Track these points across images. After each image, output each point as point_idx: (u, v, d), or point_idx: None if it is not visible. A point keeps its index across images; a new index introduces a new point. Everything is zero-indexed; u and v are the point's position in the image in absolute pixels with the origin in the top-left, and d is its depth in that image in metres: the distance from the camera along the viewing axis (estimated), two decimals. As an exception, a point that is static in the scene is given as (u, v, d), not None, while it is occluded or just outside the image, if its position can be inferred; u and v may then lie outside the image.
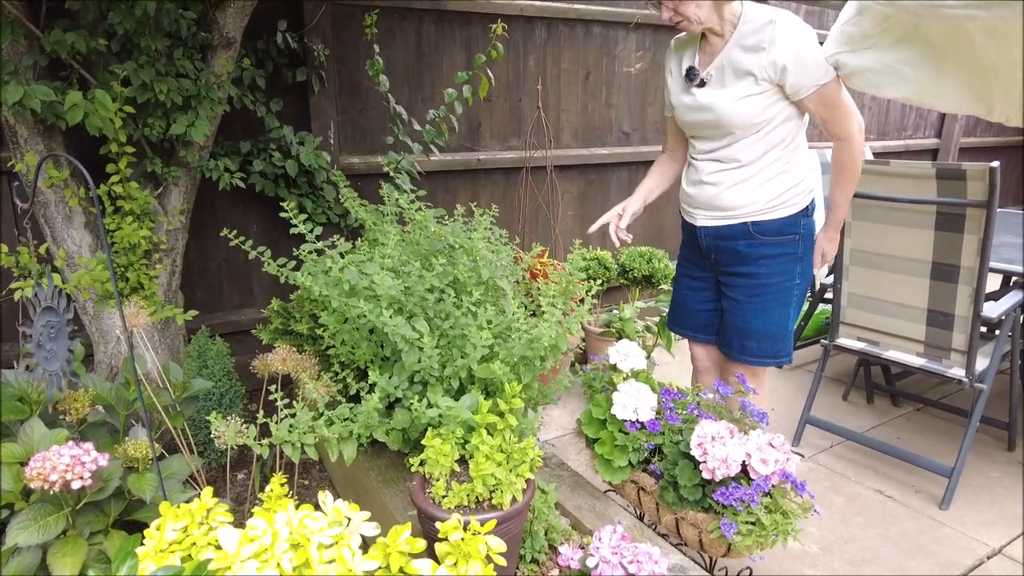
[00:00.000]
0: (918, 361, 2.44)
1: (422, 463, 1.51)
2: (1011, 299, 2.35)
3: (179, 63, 2.05)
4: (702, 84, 1.84)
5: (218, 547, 1.04)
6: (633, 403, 1.71)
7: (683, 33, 1.97)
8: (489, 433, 1.53)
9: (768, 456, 1.52)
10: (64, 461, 1.37)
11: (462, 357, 1.63)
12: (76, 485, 1.36)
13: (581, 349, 3.55)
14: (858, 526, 2.21)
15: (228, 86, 2.18)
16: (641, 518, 1.84)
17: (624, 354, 1.75)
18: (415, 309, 1.62)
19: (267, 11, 2.56)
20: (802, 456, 2.66)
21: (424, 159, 2.81)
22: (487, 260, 1.68)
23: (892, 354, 2.51)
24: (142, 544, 1.13)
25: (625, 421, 1.71)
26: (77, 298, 2.23)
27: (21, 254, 2.07)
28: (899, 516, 2.27)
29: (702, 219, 1.92)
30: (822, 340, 2.74)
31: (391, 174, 2.69)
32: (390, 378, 1.64)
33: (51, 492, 1.37)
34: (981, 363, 2.34)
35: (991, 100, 1.56)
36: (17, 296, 1.94)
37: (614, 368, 1.77)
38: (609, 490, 1.96)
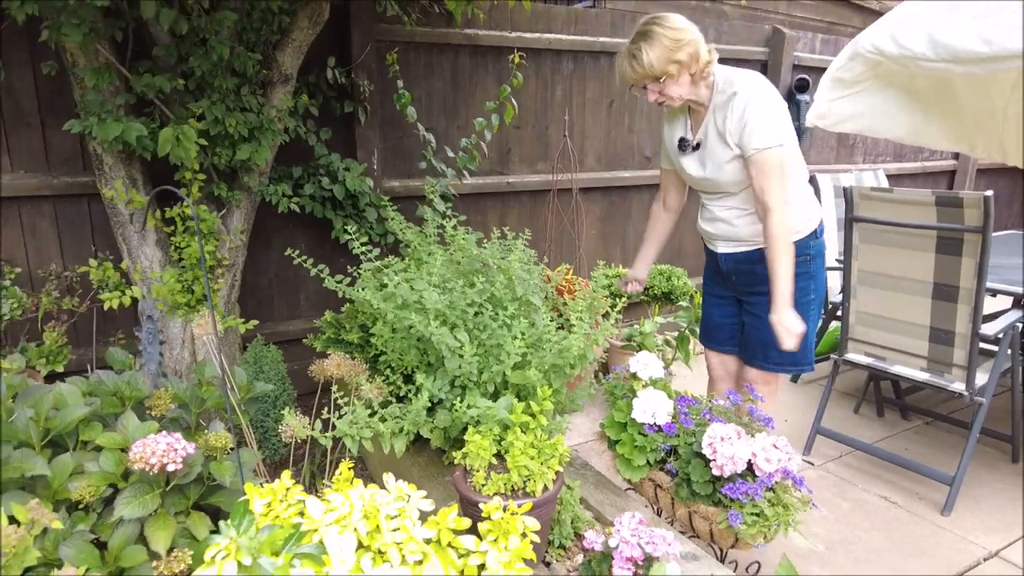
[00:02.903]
0: (922, 375, 2.59)
1: (464, 456, 1.71)
2: (1009, 318, 2.50)
3: (245, 99, 2.30)
4: (695, 149, 2.05)
5: (303, 515, 1.25)
6: (652, 408, 1.90)
7: None
8: (522, 431, 1.73)
9: (771, 455, 1.70)
10: (161, 448, 1.59)
11: (497, 364, 1.83)
12: (171, 468, 1.59)
13: (603, 360, 3.74)
14: (863, 529, 2.36)
15: (286, 118, 2.43)
16: (659, 513, 2.02)
17: (644, 364, 1.94)
18: (457, 321, 1.84)
19: (318, 48, 2.81)
20: (812, 464, 2.82)
21: (457, 183, 3.04)
22: (521, 279, 1.89)
23: (898, 369, 2.67)
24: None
25: (644, 424, 1.90)
26: (146, 308, 2.47)
27: (106, 269, 2.33)
28: (902, 520, 2.41)
29: (722, 247, 2.12)
30: (832, 355, 2.90)
31: (429, 198, 2.93)
32: (434, 382, 1.86)
33: (150, 473, 1.60)
34: (981, 378, 2.49)
35: (974, 140, 1.74)
36: (107, 306, 2.19)
37: (635, 376, 1.96)
38: (628, 488, 2.14)
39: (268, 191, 2.46)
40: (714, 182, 2.03)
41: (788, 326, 1.89)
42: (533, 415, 1.73)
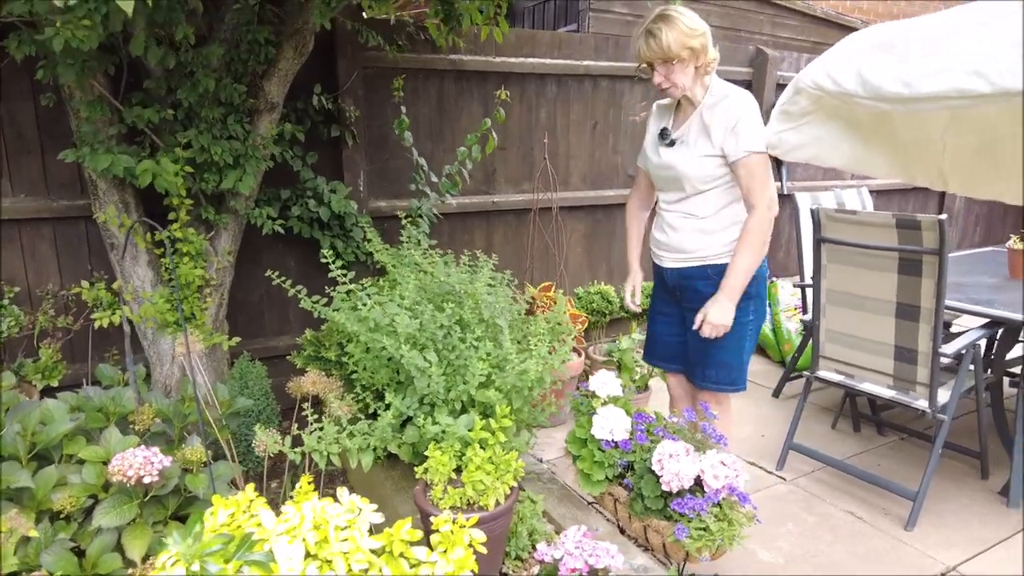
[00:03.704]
0: (888, 393, 2.66)
1: (425, 471, 1.80)
2: (968, 337, 2.56)
3: (231, 127, 2.42)
4: (672, 144, 2.15)
5: (259, 525, 1.34)
6: (610, 425, 1.98)
7: (666, 100, 2.29)
8: (482, 447, 1.82)
9: (719, 472, 1.78)
10: (138, 461, 1.70)
11: (464, 383, 1.93)
12: (147, 480, 1.69)
13: (587, 374, 3.82)
14: (826, 542, 2.42)
15: (271, 145, 2.55)
16: (621, 528, 2.10)
17: (602, 382, 2.03)
18: (426, 342, 1.93)
19: (307, 75, 2.94)
20: (784, 479, 2.88)
21: (441, 204, 3.15)
22: (487, 303, 1.99)
23: (866, 386, 2.73)
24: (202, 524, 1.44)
25: (602, 440, 1.98)
26: (140, 326, 2.59)
27: (98, 289, 2.44)
28: (866, 535, 2.47)
29: (668, 261, 2.21)
30: (805, 372, 2.97)
31: (413, 218, 3.03)
32: (403, 399, 1.95)
33: (127, 485, 1.70)
34: (943, 395, 2.55)
35: (913, 171, 1.82)
36: (97, 324, 2.31)
37: (593, 395, 2.05)
38: (593, 502, 2.23)
39: (253, 214, 2.57)
40: (680, 175, 2.09)
41: (712, 316, 2.01)
42: (493, 432, 1.82)
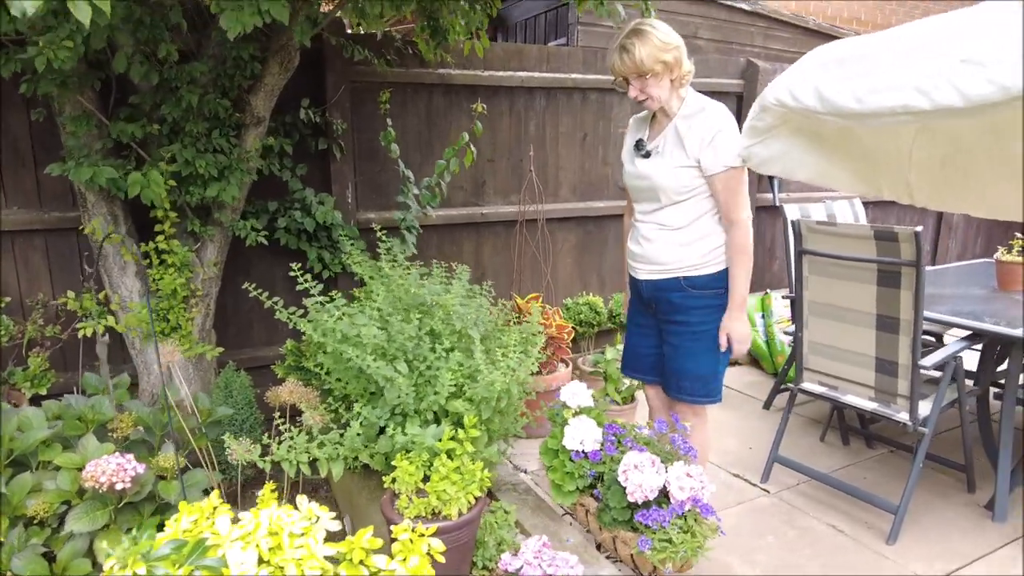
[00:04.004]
0: (871, 405, 2.65)
1: (393, 480, 1.82)
2: (948, 349, 2.55)
3: (215, 141, 2.47)
4: (647, 155, 2.17)
5: (215, 531, 1.37)
6: (580, 436, 1.99)
7: (642, 113, 2.32)
8: (450, 457, 1.84)
9: (684, 484, 1.78)
10: (111, 467, 1.73)
11: (435, 394, 1.95)
12: (119, 487, 1.72)
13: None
14: (805, 556, 2.41)
15: (255, 159, 2.59)
16: (599, 545, 2.10)
17: (573, 393, 2.04)
18: (397, 353, 1.96)
19: (295, 89, 2.99)
20: (768, 492, 2.87)
21: (437, 213, 3.19)
22: (459, 313, 2.01)
23: (849, 398, 2.73)
24: (164, 530, 1.47)
25: (572, 451, 1.99)
26: (127, 336, 2.64)
27: (85, 299, 2.49)
28: (846, 548, 2.46)
29: (643, 273, 2.23)
30: (788, 385, 2.96)
31: (400, 230, 3.07)
32: (374, 409, 1.97)
33: (100, 491, 1.73)
34: (925, 408, 2.54)
35: (879, 183, 1.83)
36: (80, 334, 2.35)
37: (564, 406, 2.06)
38: (567, 513, 2.23)
39: (238, 226, 2.62)
40: (655, 185, 2.12)
41: (734, 332, 2.09)
42: (461, 442, 1.84)
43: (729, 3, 4.37)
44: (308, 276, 2.18)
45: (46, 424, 1.92)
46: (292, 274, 2.13)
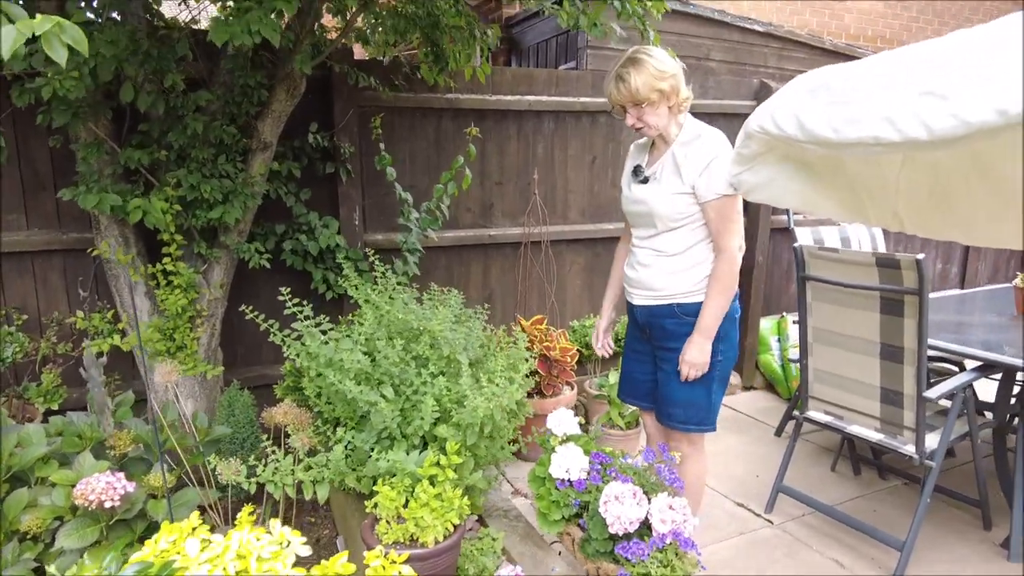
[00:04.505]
0: (876, 436, 2.58)
1: (375, 506, 1.83)
2: (956, 380, 2.47)
3: (221, 167, 2.55)
4: (645, 181, 2.17)
5: (183, 553, 1.39)
6: (566, 464, 1.98)
7: (643, 139, 2.33)
8: (432, 484, 1.84)
9: (667, 516, 1.76)
10: (101, 485, 1.78)
11: (421, 419, 1.96)
12: (108, 505, 1.77)
13: (584, 408, 3.80)
14: (804, 592, 2.35)
15: (260, 184, 2.66)
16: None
17: (559, 421, 2.03)
18: (383, 377, 1.98)
19: (304, 113, 3.07)
20: (771, 523, 2.80)
21: (425, 239, 3.22)
22: (446, 339, 2.03)
23: (854, 429, 2.66)
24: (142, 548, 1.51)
25: (557, 480, 1.98)
26: (136, 353, 2.72)
27: (93, 319, 2.58)
28: (848, 585, 2.38)
29: (638, 298, 2.22)
30: (795, 412, 2.90)
31: (403, 251, 3.12)
32: (360, 433, 1.99)
33: (90, 509, 1.78)
34: (932, 440, 2.46)
35: (866, 212, 1.80)
36: (86, 353, 2.43)
37: (551, 434, 2.05)
38: (555, 541, 2.21)
39: (242, 248, 2.68)
40: (651, 211, 2.11)
41: (689, 356, 2.05)
42: (443, 468, 1.84)
43: (742, 24, 4.36)
44: (301, 299, 2.23)
45: (45, 441, 1.99)
46: (281, 298, 2.16)
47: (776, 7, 5.88)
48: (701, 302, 2.09)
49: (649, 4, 2.57)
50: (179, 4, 2.65)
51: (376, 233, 3.43)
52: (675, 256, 2.10)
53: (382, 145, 3.11)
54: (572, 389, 3.45)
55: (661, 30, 4.23)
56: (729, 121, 4.03)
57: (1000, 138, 1.12)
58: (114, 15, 2.31)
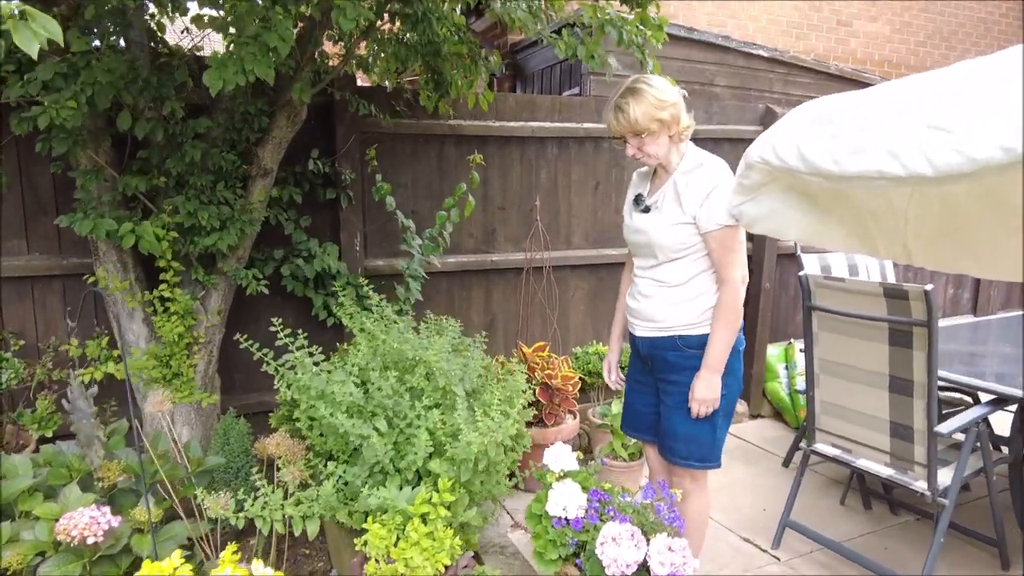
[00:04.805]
0: (886, 471, 2.50)
1: (364, 544, 1.78)
2: (968, 415, 2.40)
3: (220, 193, 2.54)
4: (646, 210, 2.13)
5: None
6: (563, 502, 1.92)
7: (645, 167, 2.29)
8: (424, 522, 1.79)
9: (666, 559, 1.69)
10: (84, 520, 1.74)
11: (414, 454, 1.91)
12: (91, 540, 1.73)
13: (588, 437, 3.73)
14: (812, 635, 2.26)
15: (259, 211, 2.65)
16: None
17: (555, 456, 1.98)
18: (376, 410, 1.94)
19: (308, 138, 3.07)
20: (778, 559, 2.71)
21: (428, 265, 3.19)
22: (442, 370, 1.98)
23: (863, 463, 2.58)
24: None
25: (554, 518, 1.92)
26: (135, 381, 2.69)
27: (88, 346, 2.56)
28: (858, 629, 2.29)
29: (640, 330, 2.17)
30: (801, 444, 2.82)
31: (405, 277, 3.09)
32: (353, 467, 1.94)
33: (73, 544, 1.74)
34: (944, 477, 2.38)
35: (875, 242, 1.75)
36: (78, 380, 2.40)
37: (548, 470, 1.99)
38: (553, 580, 2.14)
39: (239, 275, 2.66)
40: (651, 241, 2.08)
41: (699, 393, 1.99)
42: (435, 505, 1.79)
43: (746, 49, 4.35)
44: (302, 325, 2.20)
45: (31, 472, 1.95)
46: (273, 328, 2.13)
47: (781, 32, 5.88)
48: (704, 334, 2.04)
49: (649, 33, 2.55)
50: (182, 32, 2.66)
51: (378, 259, 3.40)
52: (677, 287, 2.05)
53: (378, 176, 3.09)
54: (575, 418, 3.39)
55: (665, 56, 4.23)
56: (734, 146, 4.01)
57: (1007, 174, 1.08)
58: (115, 41, 2.31)
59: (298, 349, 2.04)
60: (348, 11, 1.87)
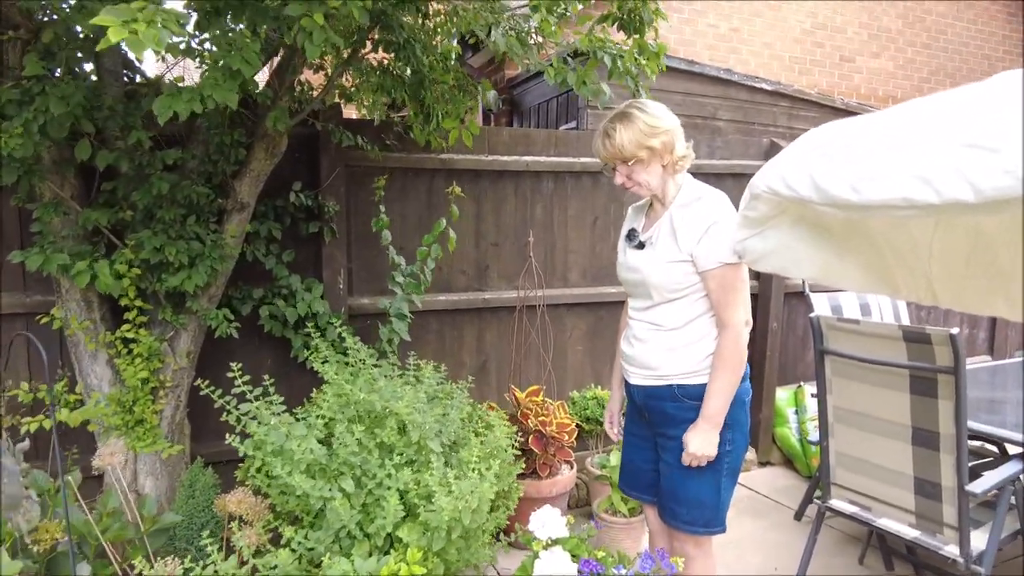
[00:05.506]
0: (912, 533, 2.27)
1: (324, 622, 1.56)
2: (1005, 471, 2.18)
3: (191, 228, 2.38)
4: (641, 246, 1.96)
5: None
6: (550, 573, 1.70)
7: (641, 201, 2.13)
8: (392, 596, 1.57)
9: (667, 644, 1.47)
10: (2, 598, 1.53)
11: (383, 519, 1.70)
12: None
13: (587, 487, 3.49)
14: None
15: (233, 247, 2.49)
16: None
17: (542, 522, 1.77)
18: (342, 468, 1.74)
19: (290, 171, 2.93)
20: (794, 630, 2.46)
21: (412, 305, 3.01)
22: (415, 423, 1.79)
23: (885, 522, 2.35)
24: None
25: (541, 590, 1.70)
26: (92, 427, 2.50)
27: (41, 390, 2.38)
28: None
29: (635, 378, 1.98)
30: (815, 499, 2.59)
31: (390, 317, 2.91)
32: (316, 531, 1.74)
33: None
34: (978, 540, 2.15)
35: (895, 281, 1.57)
36: (23, 430, 2.22)
37: (534, 537, 1.78)
38: (542, 660, 1.90)
39: (209, 315, 2.49)
40: (645, 280, 1.91)
41: (692, 447, 1.80)
42: (405, 577, 1.57)
43: (750, 83, 4.25)
44: (282, 366, 2.02)
45: (-42, 536, 1.75)
46: (231, 374, 1.95)
47: (784, 67, 5.81)
48: (705, 384, 1.84)
49: (644, 62, 2.41)
50: (157, 60, 2.54)
51: (363, 297, 3.23)
52: (674, 331, 1.87)
53: (383, 208, 2.94)
54: (571, 468, 3.17)
55: (665, 89, 4.13)
56: (738, 181, 3.86)
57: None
58: (79, 68, 2.19)
59: (257, 398, 1.85)
60: (315, 36, 1.73)
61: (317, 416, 1.80)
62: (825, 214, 1.55)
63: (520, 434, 2.99)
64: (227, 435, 3.08)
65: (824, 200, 1.36)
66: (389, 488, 1.67)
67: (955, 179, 1.01)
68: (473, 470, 1.69)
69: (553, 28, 2.32)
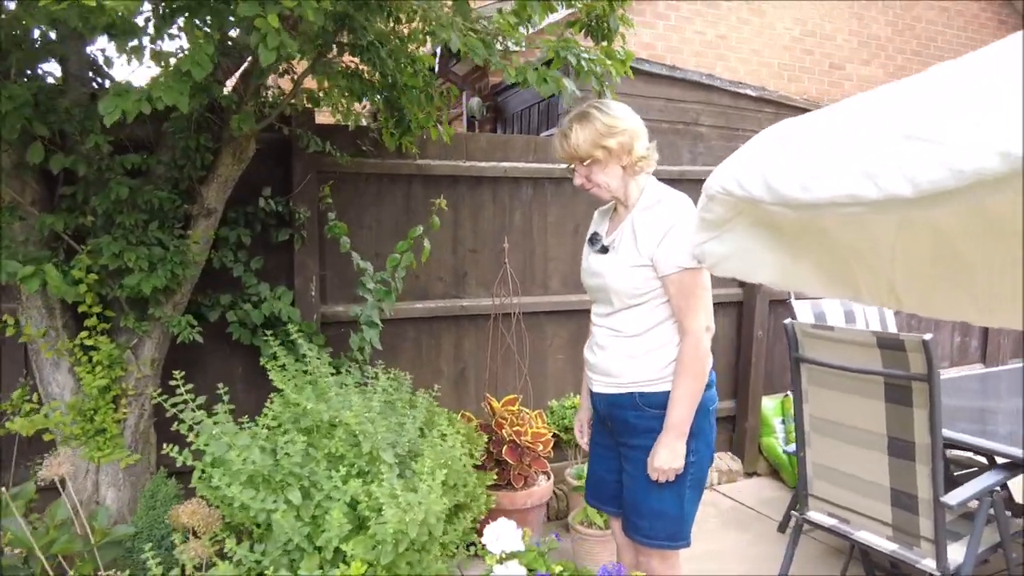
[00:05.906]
0: (889, 546, 2.21)
1: (264, 640, 1.50)
2: (981, 482, 2.11)
3: (153, 234, 2.34)
4: (604, 251, 1.92)
5: None
6: (505, 586, 1.64)
7: (607, 204, 2.09)
8: (336, 612, 1.51)
9: (618, 663, 1.41)
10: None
11: (328, 531, 1.65)
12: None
13: (565, 499, 3.43)
14: None
15: (198, 252, 2.45)
16: None
17: (496, 536, 1.71)
18: (289, 479, 1.68)
19: (262, 176, 2.89)
20: (771, 647, 2.39)
21: (382, 312, 2.96)
22: (366, 433, 1.74)
23: (863, 535, 2.29)
24: None
25: (494, 606, 1.64)
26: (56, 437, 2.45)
27: (13, 398, 2.34)
28: None
29: (597, 386, 1.93)
30: (793, 511, 2.53)
31: (360, 324, 2.86)
32: (262, 544, 1.68)
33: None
34: (955, 553, 2.08)
35: (856, 283, 1.52)
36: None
37: (487, 551, 1.72)
38: None
39: (172, 322, 2.45)
40: (607, 285, 1.87)
41: (659, 461, 1.74)
42: (349, 593, 1.52)
43: (733, 89, 4.21)
44: (252, 374, 1.96)
45: None
46: (173, 382, 1.90)
47: (773, 74, 5.79)
48: (667, 392, 1.79)
49: (609, 63, 2.37)
50: (126, 63, 2.51)
51: (336, 304, 3.19)
52: (634, 337, 1.82)
53: (331, 215, 2.90)
54: (549, 479, 3.11)
55: (646, 95, 4.09)
56: (721, 187, 3.82)
57: (1005, 190, 0.85)
58: (40, 71, 2.16)
59: (199, 408, 1.80)
60: (269, 39, 1.69)
61: (263, 426, 1.74)
62: (777, 214, 1.49)
63: (494, 444, 2.93)
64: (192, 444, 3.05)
65: (775, 200, 1.31)
66: (336, 500, 1.61)
67: (895, 173, 0.96)
68: (423, 481, 1.64)
69: (517, 31, 2.28)
